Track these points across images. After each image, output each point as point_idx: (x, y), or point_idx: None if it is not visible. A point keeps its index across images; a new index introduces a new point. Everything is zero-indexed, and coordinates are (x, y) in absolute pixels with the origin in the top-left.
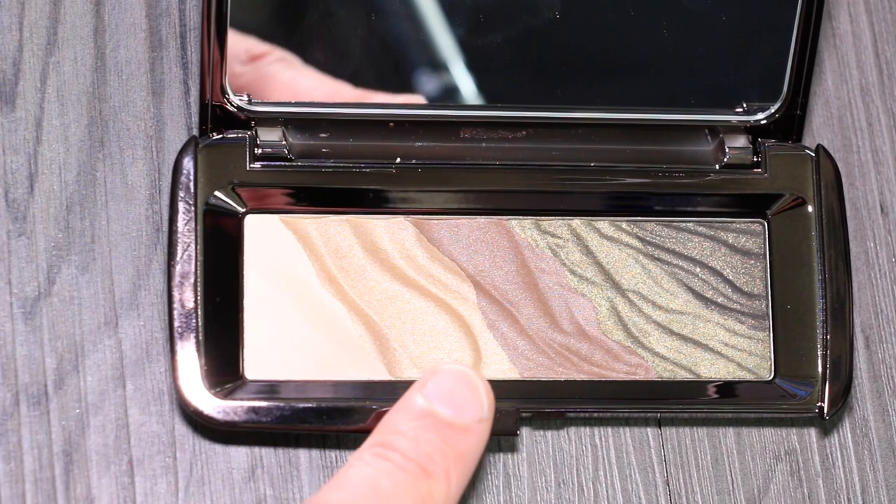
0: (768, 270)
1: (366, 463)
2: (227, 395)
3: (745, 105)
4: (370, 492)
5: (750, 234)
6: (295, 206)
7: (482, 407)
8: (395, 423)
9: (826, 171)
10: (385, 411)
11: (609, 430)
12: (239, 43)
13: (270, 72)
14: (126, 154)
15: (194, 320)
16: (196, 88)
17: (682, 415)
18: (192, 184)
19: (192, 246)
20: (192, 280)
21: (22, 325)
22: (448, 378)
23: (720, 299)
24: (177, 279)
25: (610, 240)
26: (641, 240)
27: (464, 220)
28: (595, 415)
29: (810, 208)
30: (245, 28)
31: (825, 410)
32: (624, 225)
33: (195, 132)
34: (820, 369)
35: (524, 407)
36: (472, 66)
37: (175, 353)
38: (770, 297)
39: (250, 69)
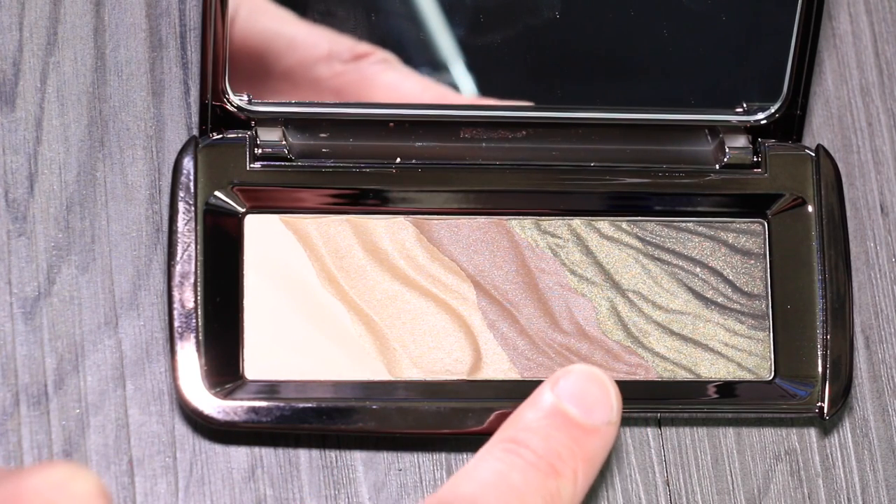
0: (768, 270)
1: (496, 458)
2: (227, 395)
3: (745, 105)
4: (501, 486)
5: (750, 234)
6: (295, 206)
7: (611, 409)
8: (525, 420)
9: (826, 171)
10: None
11: None
12: (337, 42)
13: (372, 73)
14: (126, 154)
15: (194, 320)
16: (196, 88)
17: (682, 415)
18: (192, 184)
19: (192, 246)
20: (192, 280)
21: (22, 325)
22: (580, 378)
23: (720, 299)
24: (177, 279)
25: (610, 240)
26: (641, 240)
27: (464, 220)
28: None
29: (810, 208)
30: (348, 27)
31: (825, 410)
32: (624, 225)
33: (195, 132)
34: (820, 369)
35: None
36: (472, 66)
37: (175, 353)
38: (770, 297)
39: (351, 68)
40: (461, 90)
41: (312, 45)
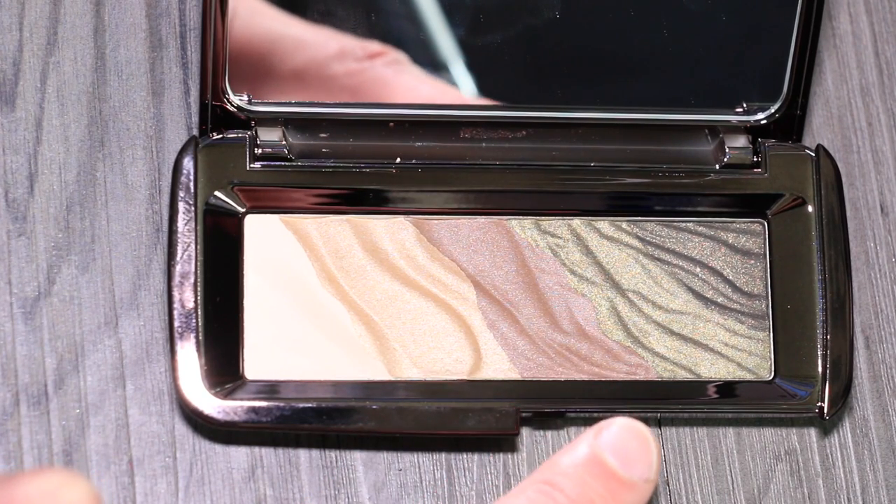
0: (768, 270)
1: (528, 498)
2: (227, 395)
3: (745, 105)
4: None
5: (750, 234)
6: (295, 206)
7: (651, 467)
8: (562, 465)
9: (826, 171)
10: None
11: None
12: (346, 41)
13: (388, 75)
14: (126, 154)
15: (194, 320)
16: (196, 88)
17: (682, 415)
18: (192, 184)
19: (192, 246)
20: (192, 280)
21: (22, 325)
22: (622, 431)
23: (720, 299)
24: (177, 279)
25: (610, 240)
26: (641, 240)
27: (464, 220)
28: (595, 415)
29: (810, 208)
30: (352, 27)
31: (825, 410)
32: (624, 225)
33: (195, 132)
34: (820, 369)
35: (524, 407)
36: (472, 66)
37: (175, 353)
38: (770, 297)
39: (367, 67)
40: (461, 90)
41: (322, 44)
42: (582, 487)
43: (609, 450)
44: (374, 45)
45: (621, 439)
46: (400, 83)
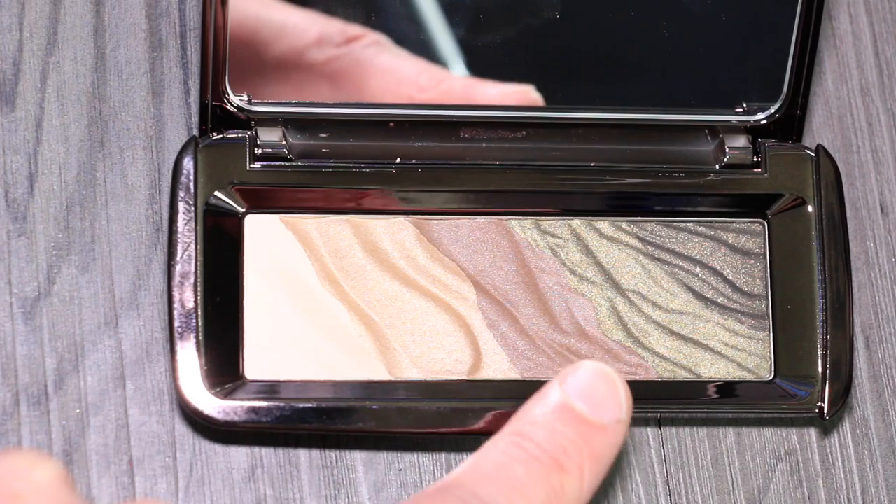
0: (768, 270)
1: (500, 451)
2: (227, 395)
3: (745, 105)
4: (503, 477)
5: (750, 234)
6: (295, 205)
7: (621, 407)
8: (531, 414)
9: (826, 171)
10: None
11: None
12: (327, 26)
13: (366, 57)
14: (126, 154)
15: (194, 320)
16: (196, 88)
17: (682, 415)
18: (192, 184)
19: (192, 246)
20: (192, 280)
21: (22, 325)
22: (589, 374)
23: (720, 299)
24: (177, 279)
25: (610, 240)
26: (641, 240)
27: (464, 220)
28: None
29: (810, 208)
30: (338, 11)
31: (825, 410)
32: (624, 225)
33: (195, 132)
34: (820, 369)
35: None
36: (473, 66)
37: (175, 353)
38: (770, 297)
39: (344, 52)
40: (450, 68)
41: (303, 31)
42: (552, 434)
43: (577, 394)
44: (353, 29)
45: (588, 383)
46: (379, 65)
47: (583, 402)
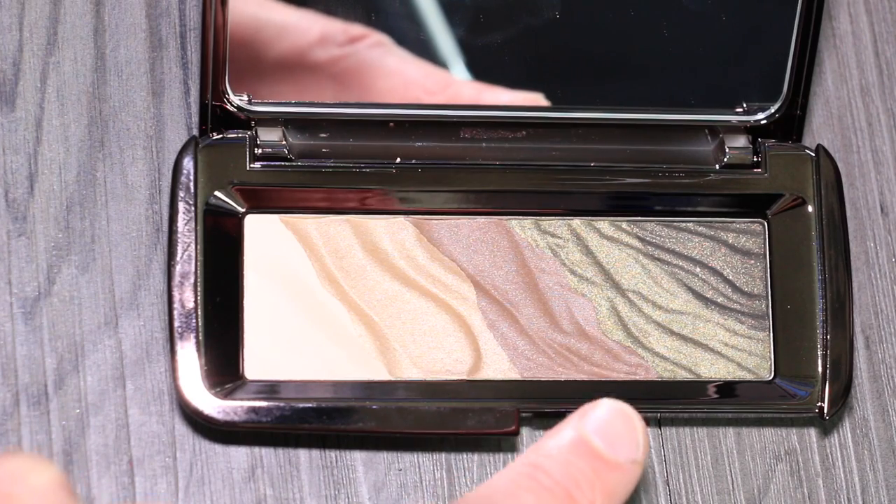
0: (768, 270)
1: (511, 480)
2: (227, 395)
3: (745, 105)
4: None
5: (750, 234)
6: (295, 205)
7: (638, 448)
8: (547, 447)
9: (826, 171)
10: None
11: None
12: (329, 25)
13: (372, 58)
14: (126, 154)
15: (194, 320)
16: (196, 88)
17: (682, 415)
18: (192, 184)
19: (192, 246)
20: (192, 280)
21: (22, 325)
22: (608, 412)
23: (720, 299)
24: (177, 279)
25: (610, 240)
26: (641, 240)
27: (464, 220)
28: None
29: (810, 208)
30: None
31: (825, 410)
32: (624, 225)
33: (195, 132)
34: (820, 369)
35: (524, 407)
36: (472, 66)
37: (175, 353)
38: (770, 297)
39: (349, 52)
40: (451, 71)
41: (304, 30)
42: (566, 468)
43: (594, 431)
44: (356, 29)
45: (607, 420)
46: (385, 67)
47: (600, 438)
